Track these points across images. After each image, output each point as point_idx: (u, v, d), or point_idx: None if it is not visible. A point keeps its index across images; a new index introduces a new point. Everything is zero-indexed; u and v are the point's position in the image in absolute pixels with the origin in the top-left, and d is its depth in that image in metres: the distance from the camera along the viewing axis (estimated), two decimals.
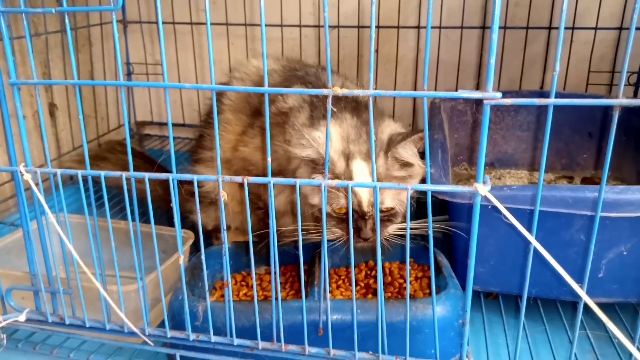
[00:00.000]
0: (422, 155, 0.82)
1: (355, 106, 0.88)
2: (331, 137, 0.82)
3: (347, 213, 0.79)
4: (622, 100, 0.51)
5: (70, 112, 1.54)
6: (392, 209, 0.82)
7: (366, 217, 0.79)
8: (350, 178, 0.80)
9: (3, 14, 0.65)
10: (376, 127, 0.83)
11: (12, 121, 0.72)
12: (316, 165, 0.82)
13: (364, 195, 0.79)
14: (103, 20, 1.61)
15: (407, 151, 0.81)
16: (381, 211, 0.81)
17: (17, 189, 0.74)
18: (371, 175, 0.77)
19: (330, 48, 0.56)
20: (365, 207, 0.79)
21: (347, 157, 0.82)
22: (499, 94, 0.53)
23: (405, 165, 0.83)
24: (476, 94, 0.54)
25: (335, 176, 0.81)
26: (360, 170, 0.80)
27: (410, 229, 0.76)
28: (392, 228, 0.84)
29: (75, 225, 0.75)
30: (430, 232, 0.63)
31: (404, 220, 0.84)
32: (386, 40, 1.50)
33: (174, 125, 0.63)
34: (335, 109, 0.85)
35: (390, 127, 0.86)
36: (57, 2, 1.49)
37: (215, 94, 0.64)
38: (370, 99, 0.57)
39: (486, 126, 0.55)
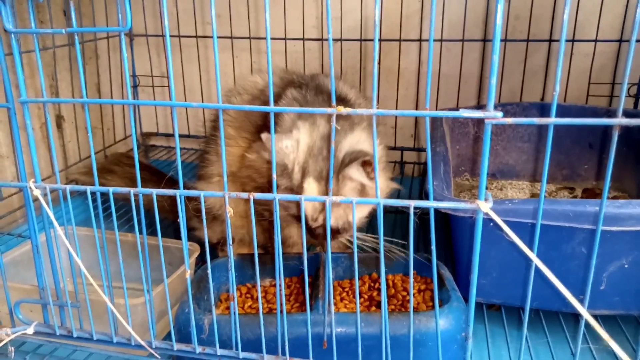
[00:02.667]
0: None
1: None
2: (297, 146, 0.85)
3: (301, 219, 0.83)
4: (621, 120, 0.52)
5: (77, 123, 1.56)
6: (342, 228, 0.85)
7: (314, 230, 0.84)
8: (300, 194, 0.81)
9: (15, 34, 0.66)
10: (337, 143, 0.84)
11: (20, 133, 0.74)
12: (282, 172, 0.85)
13: (309, 213, 0.83)
14: (110, 34, 1.64)
15: (356, 173, 0.81)
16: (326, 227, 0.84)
17: (26, 205, 0.75)
18: (320, 195, 0.82)
19: (333, 61, 0.58)
20: (310, 222, 0.83)
21: (303, 173, 0.83)
22: (500, 114, 0.54)
23: (354, 182, 0.84)
24: (478, 114, 0.55)
25: (291, 188, 0.84)
26: (309, 189, 0.82)
27: (361, 240, 0.80)
28: (342, 238, 0.88)
29: (82, 238, 0.76)
30: (433, 246, 0.64)
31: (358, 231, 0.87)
32: (388, 52, 1.52)
33: (179, 136, 0.65)
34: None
35: (350, 144, 0.85)
36: (64, 16, 1.52)
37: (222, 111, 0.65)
38: (374, 118, 0.58)
39: (487, 144, 0.56)
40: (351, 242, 0.86)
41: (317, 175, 0.83)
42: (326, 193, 0.83)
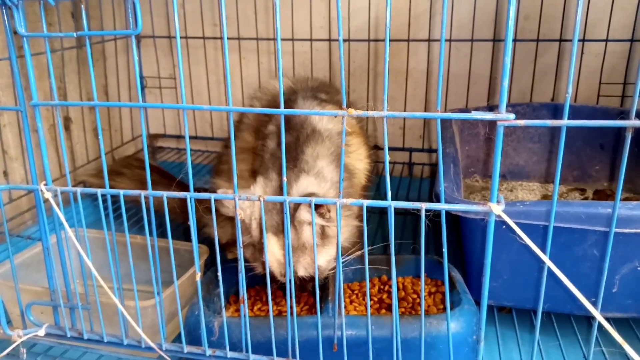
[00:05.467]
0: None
1: (288, 165, 0.86)
2: (254, 202, 0.82)
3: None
4: (635, 122, 0.52)
5: (84, 125, 1.57)
6: (310, 277, 0.83)
7: (283, 283, 0.82)
8: (261, 250, 0.80)
9: (26, 38, 0.67)
10: (289, 195, 0.82)
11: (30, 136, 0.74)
12: (243, 228, 0.82)
13: (275, 269, 0.83)
14: (117, 36, 1.64)
15: (307, 215, 0.79)
16: (297, 278, 0.83)
17: (37, 207, 0.76)
18: (282, 249, 0.81)
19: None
20: (278, 277, 0.83)
21: (261, 230, 0.80)
22: (512, 116, 0.54)
23: (307, 226, 0.82)
24: (489, 116, 0.55)
25: (252, 243, 0.84)
26: (270, 245, 0.82)
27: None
28: (309, 287, 0.86)
29: (91, 240, 0.77)
30: (445, 249, 0.63)
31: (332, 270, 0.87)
32: (396, 53, 1.51)
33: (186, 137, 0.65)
34: (269, 165, 0.88)
35: (298, 191, 0.84)
36: (72, 18, 1.53)
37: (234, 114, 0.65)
38: (385, 120, 0.58)
39: (500, 146, 0.56)
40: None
41: (274, 229, 0.82)
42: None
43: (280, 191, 0.84)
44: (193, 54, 1.65)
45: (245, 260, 0.84)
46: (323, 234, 0.84)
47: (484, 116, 0.55)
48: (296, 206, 0.79)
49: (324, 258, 0.85)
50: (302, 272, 0.83)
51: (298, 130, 0.92)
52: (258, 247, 0.83)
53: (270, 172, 0.88)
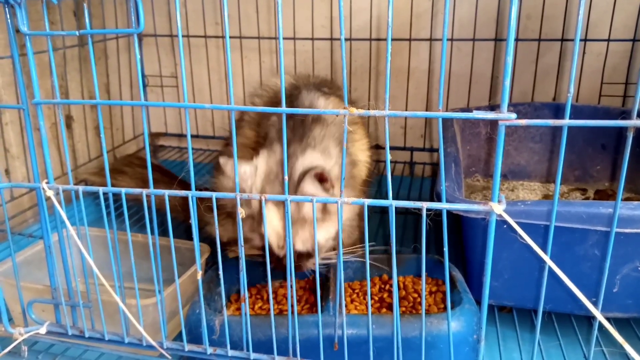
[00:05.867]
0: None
1: (290, 137, 0.88)
2: (255, 172, 0.84)
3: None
4: (636, 122, 0.52)
5: (86, 123, 1.57)
6: (307, 252, 0.83)
7: (278, 256, 0.82)
8: (261, 221, 0.79)
9: (29, 37, 0.67)
10: (291, 167, 0.84)
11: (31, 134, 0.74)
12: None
13: (273, 241, 0.82)
14: (119, 34, 1.64)
15: (311, 187, 0.80)
16: (295, 252, 0.83)
17: (39, 205, 0.76)
18: (282, 221, 0.81)
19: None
20: (275, 249, 0.82)
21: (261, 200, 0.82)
22: (514, 115, 0.54)
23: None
24: (491, 115, 0.55)
25: (251, 215, 0.83)
26: (269, 215, 0.81)
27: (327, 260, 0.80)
28: (311, 262, 0.85)
29: (92, 238, 0.77)
30: (446, 248, 0.63)
31: (330, 250, 0.87)
32: (398, 52, 1.51)
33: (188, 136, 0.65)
34: (274, 138, 0.88)
35: (303, 164, 0.85)
36: (74, 16, 1.53)
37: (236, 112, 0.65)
38: (386, 119, 0.58)
39: (501, 146, 0.56)
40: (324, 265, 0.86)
41: (274, 200, 0.82)
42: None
43: (282, 164, 0.83)
44: (195, 53, 1.66)
45: (244, 236, 0.83)
46: (324, 209, 0.84)
47: (486, 116, 0.55)
48: (301, 177, 0.79)
49: (323, 235, 0.84)
50: (299, 246, 0.82)
51: (305, 115, 0.92)
52: (257, 219, 0.82)
53: (274, 145, 0.87)
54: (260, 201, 0.79)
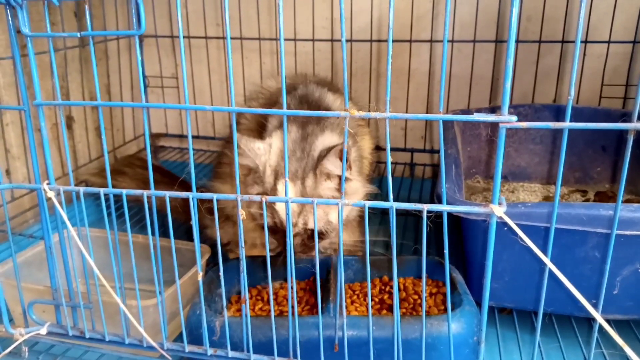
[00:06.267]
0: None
1: (305, 119, 0.89)
2: (270, 149, 0.85)
3: (277, 227, 0.84)
4: (636, 124, 0.52)
5: (86, 124, 1.57)
6: (319, 232, 0.83)
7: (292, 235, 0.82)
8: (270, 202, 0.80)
9: (30, 38, 0.67)
10: (310, 145, 0.86)
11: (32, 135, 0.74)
12: (255, 175, 0.85)
13: (284, 219, 0.81)
14: (120, 35, 1.65)
15: (332, 165, 0.82)
16: (306, 231, 0.84)
17: (40, 206, 0.76)
18: (297, 196, 0.82)
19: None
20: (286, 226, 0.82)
21: (276, 175, 0.84)
22: (515, 118, 0.54)
23: (332, 178, 0.84)
24: (491, 118, 0.55)
25: (264, 192, 0.84)
26: (284, 190, 0.81)
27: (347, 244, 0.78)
28: (325, 243, 0.86)
29: (92, 239, 0.77)
30: (446, 250, 0.63)
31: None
32: (399, 53, 1.51)
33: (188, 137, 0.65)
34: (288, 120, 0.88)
35: (324, 143, 0.86)
36: (75, 17, 1.53)
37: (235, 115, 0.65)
38: (387, 122, 0.58)
39: (502, 148, 0.56)
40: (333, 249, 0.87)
41: (291, 175, 0.83)
42: (302, 194, 0.83)
43: (299, 142, 0.85)
44: (195, 54, 1.66)
45: (255, 214, 0.85)
46: (340, 190, 0.84)
47: (486, 118, 0.55)
48: (323, 154, 0.81)
49: (336, 214, 0.84)
50: (311, 225, 0.82)
51: (315, 107, 0.94)
52: (271, 195, 0.83)
53: (291, 124, 0.88)
54: (275, 176, 0.82)
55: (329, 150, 0.81)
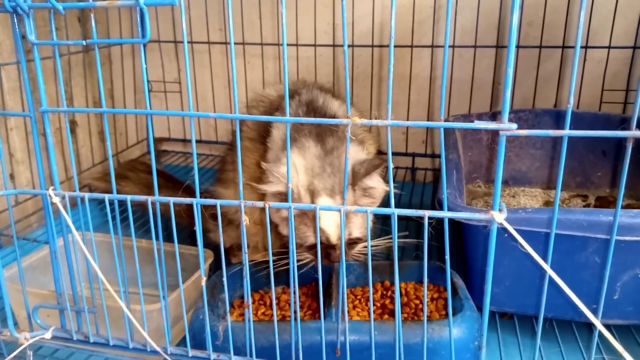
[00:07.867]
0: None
1: (319, 131, 0.89)
2: (295, 169, 0.85)
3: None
4: (635, 132, 0.52)
5: (90, 129, 1.58)
6: (359, 238, 0.85)
7: (335, 247, 0.83)
8: (315, 217, 0.78)
9: (36, 46, 0.68)
10: (338, 159, 0.86)
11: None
12: (285, 197, 0.84)
13: (332, 232, 0.82)
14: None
15: (374, 181, 0.83)
16: (349, 240, 0.85)
17: (45, 211, 0.77)
18: (337, 212, 0.81)
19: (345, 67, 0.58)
20: (334, 241, 0.82)
21: (312, 194, 0.83)
22: (515, 125, 0.55)
23: (368, 190, 0.85)
24: (492, 125, 0.56)
25: (302, 212, 0.83)
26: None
27: (375, 247, 0.79)
28: (358, 247, 0.87)
29: (97, 243, 0.77)
30: (447, 256, 0.64)
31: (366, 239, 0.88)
32: (400, 58, 1.52)
33: (191, 141, 0.66)
34: (297, 135, 0.88)
35: (353, 157, 0.86)
36: (79, 22, 1.54)
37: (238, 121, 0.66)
38: (389, 129, 0.58)
39: (502, 155, 0.57)
40: (363, 254, 0.87)
41: (328, 192, 0.83)
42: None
43: (323, 157, 0.85)
44: (198, 59, 1.67)
45: (297, 235, 0.83)
46: (370, 195, 0.86)
47: (487, 126, 0.56)
48: (362, 172, 0.82)
49: (372, 219, 0.87)
50: (356, 234, 0.84)
51: (322, 114, 0.94)
52: (311, 215, 0.83)
53: (302, 140, 0.88)
54: (310, 194, 0.83)
55: (369, 166, 0.82)
